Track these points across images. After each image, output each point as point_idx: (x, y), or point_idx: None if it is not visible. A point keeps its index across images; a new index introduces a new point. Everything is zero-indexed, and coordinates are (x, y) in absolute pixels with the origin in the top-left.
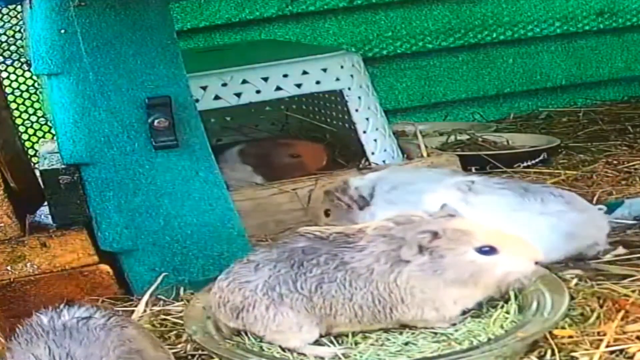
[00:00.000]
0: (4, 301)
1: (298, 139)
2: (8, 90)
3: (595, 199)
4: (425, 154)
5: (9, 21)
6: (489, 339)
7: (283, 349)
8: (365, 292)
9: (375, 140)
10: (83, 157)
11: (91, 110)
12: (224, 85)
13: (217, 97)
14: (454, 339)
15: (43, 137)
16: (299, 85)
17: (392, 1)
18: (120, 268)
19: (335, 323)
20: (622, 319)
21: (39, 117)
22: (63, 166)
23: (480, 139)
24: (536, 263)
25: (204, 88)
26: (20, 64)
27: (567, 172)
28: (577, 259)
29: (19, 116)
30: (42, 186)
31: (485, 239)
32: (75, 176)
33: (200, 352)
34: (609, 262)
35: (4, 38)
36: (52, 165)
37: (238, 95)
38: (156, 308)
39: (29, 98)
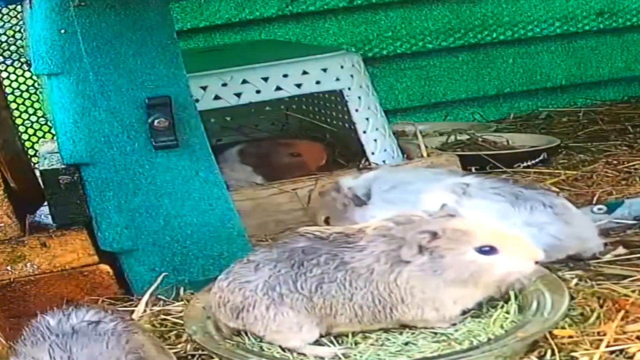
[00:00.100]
0: (4, 301)
1: (297, 139)
2: (8, 90)
3: (595, 199)
4: (425, 154)
5: (9, 21)
6: (489, 339)
7: (283, 349)
8: (366, 292)
9: (375, 140)
10: (83, 157)
11: (91, 110)
12: (224, 85)
13: (217, 97)
14: (454, 339)
15: (43, 137)
16: (299, 85)
17: (392, 1)
18: (120, 268)
19: (336, 323)
20: (622, 319)
21: (39, 117)
22: (63, 166)
23: (480, 139)
24: (536, 263)
25: (204, 88)
26: (20, 64)
27: (567, 172)
28: (577, 259)
29: (19, 116)
30: (42, 186)
31: (485, 238)
32: (75, 176)
33: (200, 352)
34: (609, 262)
35: (4, 38)
36: (52, 165)
37: (238, 95)
38: (156, 308)
39: (29, 98)
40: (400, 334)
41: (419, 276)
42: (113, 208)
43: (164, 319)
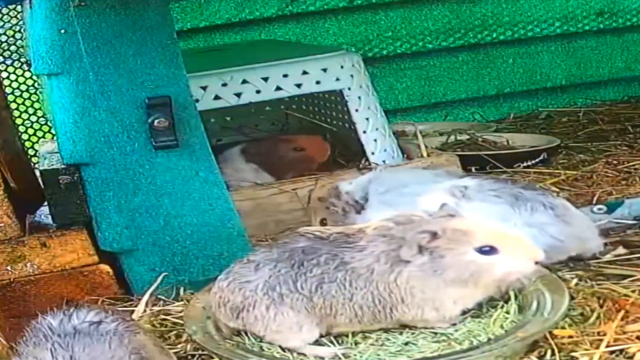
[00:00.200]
0: (4, 301)
1: (298, 134)
2: (8, 90)
3: (595, 199)
4: (425, 154)
5: (9, 21)
6: (489, 339)
7: (283, 349)
8: (366, 292)
9: (375, 140)
10: (83, 157)
11: (91, 110)
12: (224, 85)
13: (217, 97)
14: (454, 339)
15: (43, 137)
16: (299, 85)
17: (392, 1)
18: (120, 268)
19: (336, 323)
20: (622, 319)
21: (39, 117)
22: (63, 166)
23: (480, 139)
24: (536, 263)
25: (204, 88)
26: (20, 64)
27: (567, 172)
28: (577, 259)
29: (19, 116)
30: (42, 186)
31: (485, 238)
32: (75, 176)
33: (200, 352)
34: (609, 262)
35: (4, 38)
36: (52, 165)
37: (238, 95)
38: (156, 308)
39: (29, 98)
40: (400, 334)
41: (419, 276)
42: (113, 208)
43: (164, 319)
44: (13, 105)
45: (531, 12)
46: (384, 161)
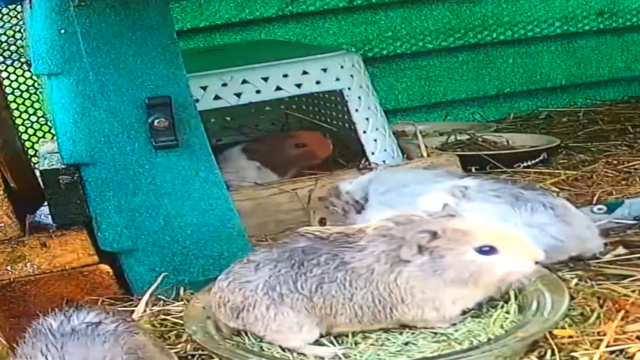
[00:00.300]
0: (4, 301)
1: (299, 130)
2: (8, 90)
3: (595, 199)
4: (425, 154)
5: (9, 21)
6: (489, 339)
7: (283, 349)
8: (366, 292)
9: (375, 140)
10: (83, 157)
11: (91, 110)
12: (224, 85)
13: (217, 97)
14: (454, 339)
15: (43, 137)
16: (299, 85)
17: (392, 1)
18: (120, 268)
19: (336, 323)
20: (622, 319)
21: (39, 117)
22: (63, 166)
23: (480, 139)
24: (536, 263)
25: (204, 88)
26: (20, 64)
27: (567, 172)
28: (577, 259)
29: (19, 116)
30: (42, 186)
31: (485, 238)
32: (75, 176)
33: (200, 352)
34: (609, 262)
35: (4, 38)
36: (52, 165)
37: (238, 95)
38: (156, 308)
39: (29, 98)
40: (400, 334)
41: (419, 276)
42: (113, 208)
43: (164, 319)
44: (13, 105)
45: (531, 12)
46: (384, 161)
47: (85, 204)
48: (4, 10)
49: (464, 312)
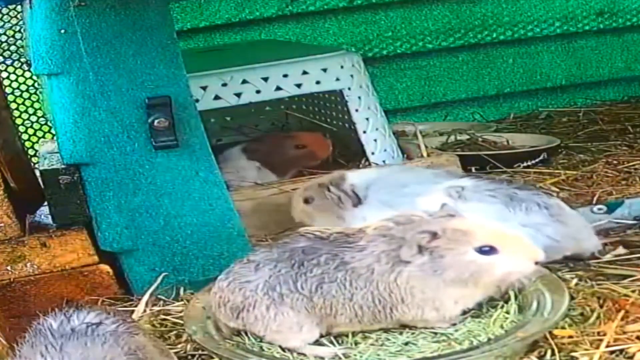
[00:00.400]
0: (4, 301)
1: (299, 131)
2: (8, 90)
3: (595, 199)
4: (425, 154)
5: (9, 21)
6: (489, 339)
7: (283, 349)
8: (366, 292)
9: (375, 140)
10: (83, 157)
11: (91, 110)
12: (224, 85)
13: (217, 97)
14: (454, 339)
15: (43, 137)
16: (299, 85)
17: (392, 1)
18: (120, 268)
19: (336, 323)
20: (622, 319)
21: (39, 117)
22: (63, 166)
23: (480, 139)
24: (536, 263)
25: (204, 88)
26: (20, 64)
27: (567, 172)
28: (577, 259)
29: (19, 116)
30: (42, 186)
31: (485, 238)
32: (75, 176)
33: (200, 352)
34: (609, 262)
35: (4, 38)
36: (52, 165)
37: (238, 95)
38: (156, 308)
39: (29, 98)
40: (400, 334)
41: (419, 276)
42: (113, 208)
43: (164, 319)
44: (13, 105)
45: (531, 12)
46: (384, 161)
47: (85, 204)
48: (4, 10)
49: (464, 312)
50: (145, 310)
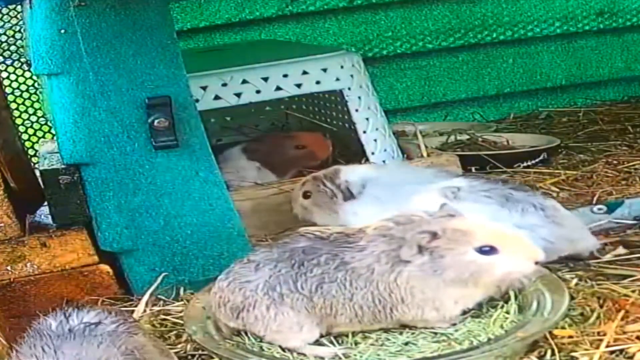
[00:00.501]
0: (4, 301)
1: (299, 131)
2: (8, 90)
3: (595, 199)
4: (425, 154)
5: (9, 21)
6: (489, 339)
7: (283, 349)
8: (366, 292)
9: (375, 140)
10: (83, 157)
11: (91, 110)
12: (224, 85)
13: (217, 97)
14: (454, 339)
15: (43, 137)
16: (299, 85)
17: (392, 1)
18: (120, 268)
19: (336, 323)
20: (622, 319)
21: (39, 117)
22: (63, 166)
23: (480, 139)
24: (536, 263)
25: (204, 88)
26: (20, 64)
27: (567, 172)
28: (577, 259)
29: (19, 116)
30: (42, 186)
31: (485, 238)
32: (75, 176)
33: (200, 352)
34: (609, 262)
35: (4, 38)
36: (52, 165)
37: (238, 95)
38: (156, 308)
39: (29, 98)
40: (400, 334)
41: (419, 276)
42: (113, 208)
43: (164, 319)
44: (13, 105)
45: (531, 12)
46: (384, 161)
47: (85, 204)
48: (4, 10)
49: (464, 312)
50: (145, 310)
